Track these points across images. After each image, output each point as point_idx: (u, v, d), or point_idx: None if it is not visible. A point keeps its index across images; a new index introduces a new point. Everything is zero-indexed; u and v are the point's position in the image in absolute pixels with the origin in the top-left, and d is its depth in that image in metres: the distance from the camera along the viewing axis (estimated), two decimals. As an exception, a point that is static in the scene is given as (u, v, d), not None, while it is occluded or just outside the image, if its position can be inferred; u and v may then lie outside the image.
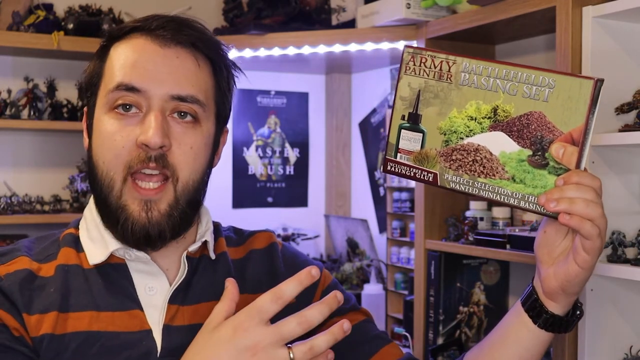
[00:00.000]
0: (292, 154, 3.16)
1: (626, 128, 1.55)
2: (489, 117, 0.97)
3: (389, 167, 1.04)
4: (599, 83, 0.92)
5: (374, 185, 2.98)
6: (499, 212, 2.05)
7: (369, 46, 2.36)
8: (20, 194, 2.62)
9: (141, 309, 1.05)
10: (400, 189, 2.60)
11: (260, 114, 3.10)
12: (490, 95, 0.97)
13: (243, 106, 3.07)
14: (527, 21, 1.86)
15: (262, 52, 2.49)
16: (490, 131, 0.97)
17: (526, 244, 1.82)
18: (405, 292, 2.54)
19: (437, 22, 2.11)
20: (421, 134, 1.01)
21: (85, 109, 1.11)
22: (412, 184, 2.48)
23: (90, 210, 1.11)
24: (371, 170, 3.00)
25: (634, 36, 1.61)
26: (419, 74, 1.01)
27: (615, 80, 1.58)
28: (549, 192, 0.93)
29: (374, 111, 2.99)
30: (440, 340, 2.14)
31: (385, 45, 2.34)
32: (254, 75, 3.05)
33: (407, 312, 2.36)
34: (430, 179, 1.00)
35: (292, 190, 3.15)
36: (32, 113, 2.62)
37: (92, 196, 1.13)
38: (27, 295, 1.02)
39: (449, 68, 0.99)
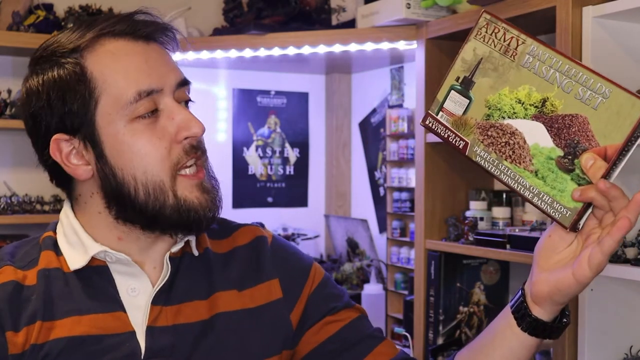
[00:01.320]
0: (292, 154, 3.17)
1: (626, 128, 1.55)
2: (536, 106, 0.96)
3: (427, 122, 1.03)
4: None
5: (374, 185, 2.98)
6: (499, 212, 2.05)
7: (369, 46, 2.36)
8: (20, 194, 2.62)
9: (124, 310, 1.04)
10: (400, 189, 2.61)
11: (260, 114, 3.10)
12: (545, 85, 0.96)
13: (243, 106, 3.07)
14: (527, 21, 1.86)
15: (262, 52, 2.49)
16: (532, 120, 0.96)
17: (526, 244, 1.82)
18: (405, 292, 2.54)
19: (437, 22, 2.11)
20: (468, 101, 1.00)
21: (58, 137, 1.02)
22: (412, 183, 2.48)
23: (67, 214, 1.09)
24: (371, 170, 3.00)
25: (634, 36, 1.61)
26: (487, 43, 1.00)
27: (615, 80, 1.57)
28: (589, 187, 0.91)
29: (374, 111, 2.99)
30: (440, 340, 2.14)
31: (385, 45, 2.34)
32: (254, 75, 3.05)
33: (407, 312, 2.36)
34: (461, 146, 1.00)
35: (292, 190, 3.16)
36: (32, 113, 2.62)
37: (67, 202, 1.10)
38: (15, 311, 1.01)
39: (517, 46, 0.98)
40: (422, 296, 2.17)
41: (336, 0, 2.55)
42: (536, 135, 0.96)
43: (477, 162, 1.00)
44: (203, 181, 1.04)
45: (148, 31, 1.05)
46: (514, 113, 0.97)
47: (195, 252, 1.10)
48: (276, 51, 2.48)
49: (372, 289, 2.64)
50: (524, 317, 1.00)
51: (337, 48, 2.41)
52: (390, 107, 2.82)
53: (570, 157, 0.93)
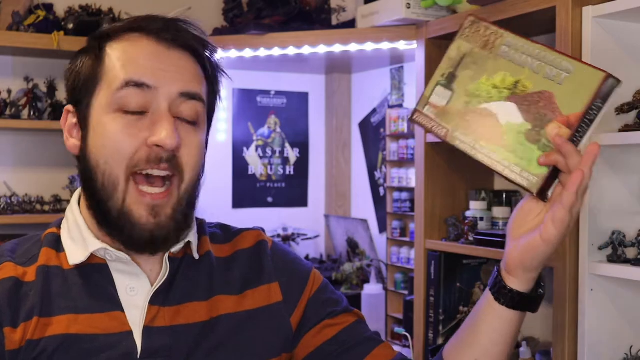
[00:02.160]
0: (292, 154, 3.17)
1: (626, 128, 1.55)
2: (509, 89, 1.03)
3: (414, 117, 1.09)
4: (610, 80, 0.97)
5: (374, 185, 2.98)
6: (499, 212, 2.05)
7: (369, 46, 2.37)
8: (20, 194, 2.62)
9: (122, 310, 1.04)
10: (400, 189, 2.61)
11: (260, 114, 3.10)
12: (517, 70, 1.03)
13: (243, 106, 3.07)
14: (527, 21, 1.86)
15: (262, 52, 2.49)
16: (506, 101, 1.03)
17: (526, 244, 1.82)
18: (405, 292, 2.54)
19: (437, 22, 2.11)
20: (451, 93, 1.07)
21: (68, 107, 1.07)
22: (412, 183, 2.48)
23: (72, 210, 1.09)
24: (371, 170, 3.00)
25: (634, 36, 1.61)
26: (470, 40, 1.08)
27: (615, 80, 1.58)
28: (552, 152, 0.98)
29: (374, 111, 2.99)
30: (440, 340, 2.14)
31: (385, 45, 2.34)
32: (254, 75, 3.05)
33: (407, 312, 2.36)
34: (442, 134, 1.06)
35: (292, 190, 3.16)
36: (32, 113, 2.62)
37: (74, 196, 1.11)
38: (14, 307, 1.01)
39: (495, 40, 1.06)
40: (422, 296, 2.17)
41: (336, 0, 2.55)
42: (508, 114, 1.02)
43: (457, 146, 1.05)
44: (156, 204, 1.00)
45: (174, 36, 1.04)
46: (490, 97, 1.04)
47: (196, 256, 1.10)
48: (276, 51, 2.48)
49: (372, 289, 2.64)
50: (500, 291, 1.03)
51: (337, 48, 2.41)
52: (390, 107, 2.82)
53: (537, 129, 1.00)
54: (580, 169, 0.95)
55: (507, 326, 1.04)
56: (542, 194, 0.99)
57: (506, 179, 1.01)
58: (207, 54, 1.08)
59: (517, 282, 1.02)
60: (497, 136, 1.02)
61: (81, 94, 1.05)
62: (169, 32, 1.04)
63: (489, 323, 1.05)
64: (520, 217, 1.03)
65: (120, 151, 1.00)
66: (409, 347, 2.28)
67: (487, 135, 1.03)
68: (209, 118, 1.11)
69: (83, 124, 1.05)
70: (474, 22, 1.08)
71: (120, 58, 1.03)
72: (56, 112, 2.64)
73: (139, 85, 1.01)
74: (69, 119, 1.07)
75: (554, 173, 0.98)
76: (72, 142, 1.07)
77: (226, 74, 1.14)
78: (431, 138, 2.13)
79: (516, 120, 1.01)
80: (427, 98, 1.08)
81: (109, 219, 1.02)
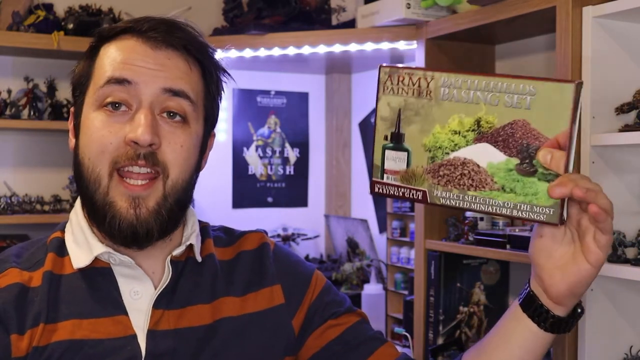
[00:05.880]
0: (292, 154, 3.17)
1: (626, 128, 1.55)
2: (473, 130, 0.97)
3: (376, 189, 1.04)
4: (579, 86, 0.92)
5: (374, 185, 2.98)
6: (499, 212, 2.05)
7: (369, 46, 2.36)
8: (20, 194, 2.62)
9: (126, 313, 1.04)
10: (400, 189, 2.60)
11: (260, 114, 3.10)
12: (472, 108, 0.97)
13: (243, 106, 3.07)
14: (527, 21, 1.87)
15: (262, 52, 2.49)
16: (476, 143, 0.97)
17: (526, 244, 1.81)
18: (405, 292, 2.54)
19: (437, 22, 2.11)
20: (406, 153, 1.02)
21: (72, 108, 1.10)
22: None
23: (76, 213, 1.10)
24: (371, 170, 3.00)
25: (634, 36, 1.61)
26: (398, 93, 1.02)
27: (615, 80, 1.57)
28: (561, 181, 0.93)
29: (374, 111, 2.98)
30: (440, 340, 2.14)
31: (385, 45, 2.34)
32: (254, 75, 3.05)
33: (407, 312, 2.36)
34: (420, 197, 1.01)
35: (292, 190, 3.16)
36: (32, 113, 2.62)
37: (78, 199, 1.11)
38: (21, 314, 1.01)
39: (428, 84, 0.99)
40: (422, 296, 2.17)
41: (336, 0, 2.55)
42: (486, 155, 0.97)
43: (443, 204, 1.00)
44: (137, 195, 1.01)
45: (163, 36, 1.05)
46: (455, 145, 0.99)
47: (199, 258, 1.10)
48: (276, 51, 2.48)
49: (372, 289, 2.64)
50: (546, 319, 1.02)
51: (337, 48, 2.41)
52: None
53: (527, 161, 0.95)
54: (604, 206, 0.93)
55: (544, 347, 1.05)
56: (562, 222, 0.95)
57: (517, 219, 0.97)
58: (202, 54, 1.08)
59: (564, 310, 1.02)
60: (485, 181, 0.97)
61: (77, 94, 1.08)
62: (158, 32, 1.05)
63: (524, 345, 1.04)
64: (545, 247, 1.02)
65: (102, 148, 1.01)
66: (409, 347, 2.27)
67: (474, 184, 0.98)
68: (209, 117, 1.11)
69: (76, 122, 1.07)
70: (392, 73, 1.02)
71: (107, 57, 1.05)
72: (56, 112, 2.65)
73: (119, 81, 1.02)
74: (73, 120, 1.10)
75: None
76: (72, 141, 1.09)
77: (229, 74, 1.14)
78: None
79: (498, 158, 0.96)
80: (381, 167, 1.03)
81: (95, 212, 1.03)
